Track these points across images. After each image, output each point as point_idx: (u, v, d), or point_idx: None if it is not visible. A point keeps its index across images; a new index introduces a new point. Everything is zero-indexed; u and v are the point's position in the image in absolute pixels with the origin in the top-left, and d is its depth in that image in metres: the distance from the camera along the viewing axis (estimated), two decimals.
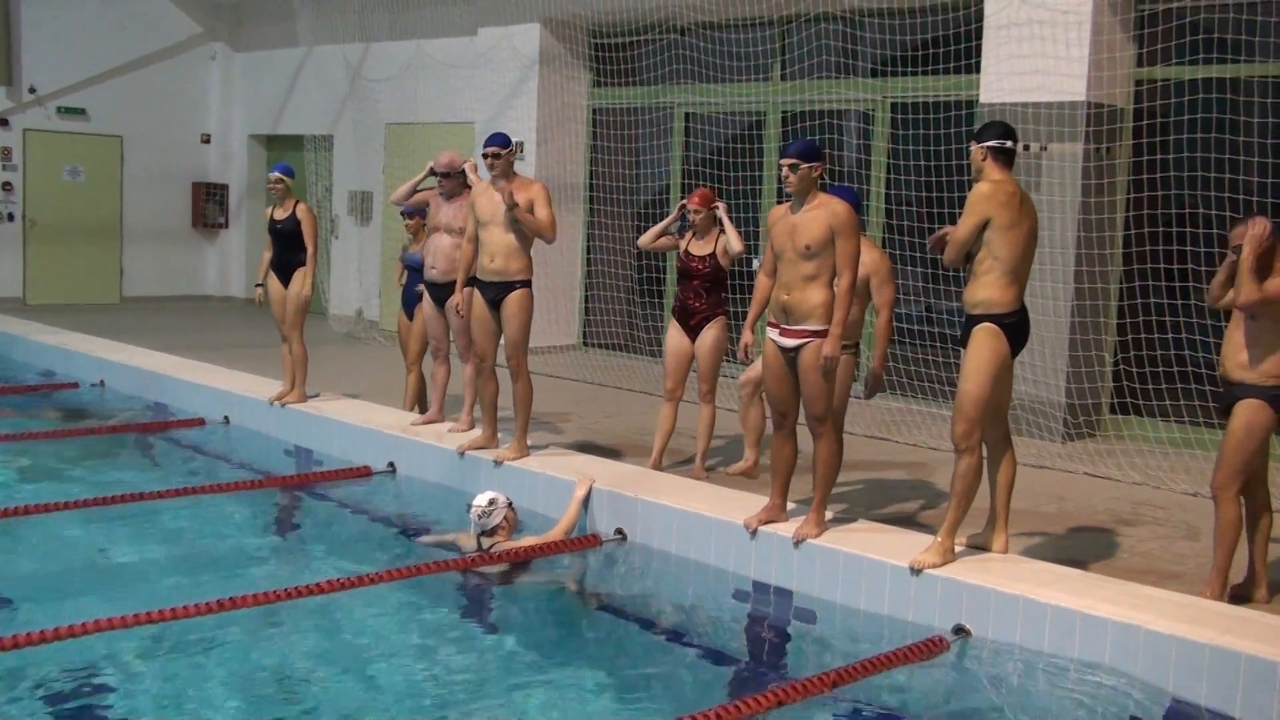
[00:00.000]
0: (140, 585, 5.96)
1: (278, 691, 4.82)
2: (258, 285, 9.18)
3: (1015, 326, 5.63)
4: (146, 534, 6.88)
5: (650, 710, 4.73)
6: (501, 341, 7.42)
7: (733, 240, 7.49)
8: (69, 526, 6.83)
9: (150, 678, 4.89)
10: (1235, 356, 5.56)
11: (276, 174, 8.76)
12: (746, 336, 6.19)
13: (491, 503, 6.36)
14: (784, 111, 11.63)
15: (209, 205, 17.52)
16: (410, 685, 4.92)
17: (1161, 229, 9.06)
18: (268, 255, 8.98)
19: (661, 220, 7.89)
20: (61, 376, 10.98)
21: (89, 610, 5.27)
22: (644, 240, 7.95)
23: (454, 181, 8.15)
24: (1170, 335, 8.79)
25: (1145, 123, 9.05)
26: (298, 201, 8.81)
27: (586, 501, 6.86)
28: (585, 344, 13.39)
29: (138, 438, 9.26)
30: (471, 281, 7.43)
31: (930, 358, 10.13)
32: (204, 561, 6.48)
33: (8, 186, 16.04)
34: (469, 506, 6.41)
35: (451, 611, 5.89)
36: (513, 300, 7.27)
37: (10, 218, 16.09)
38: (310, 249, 8.75)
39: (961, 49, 9.91)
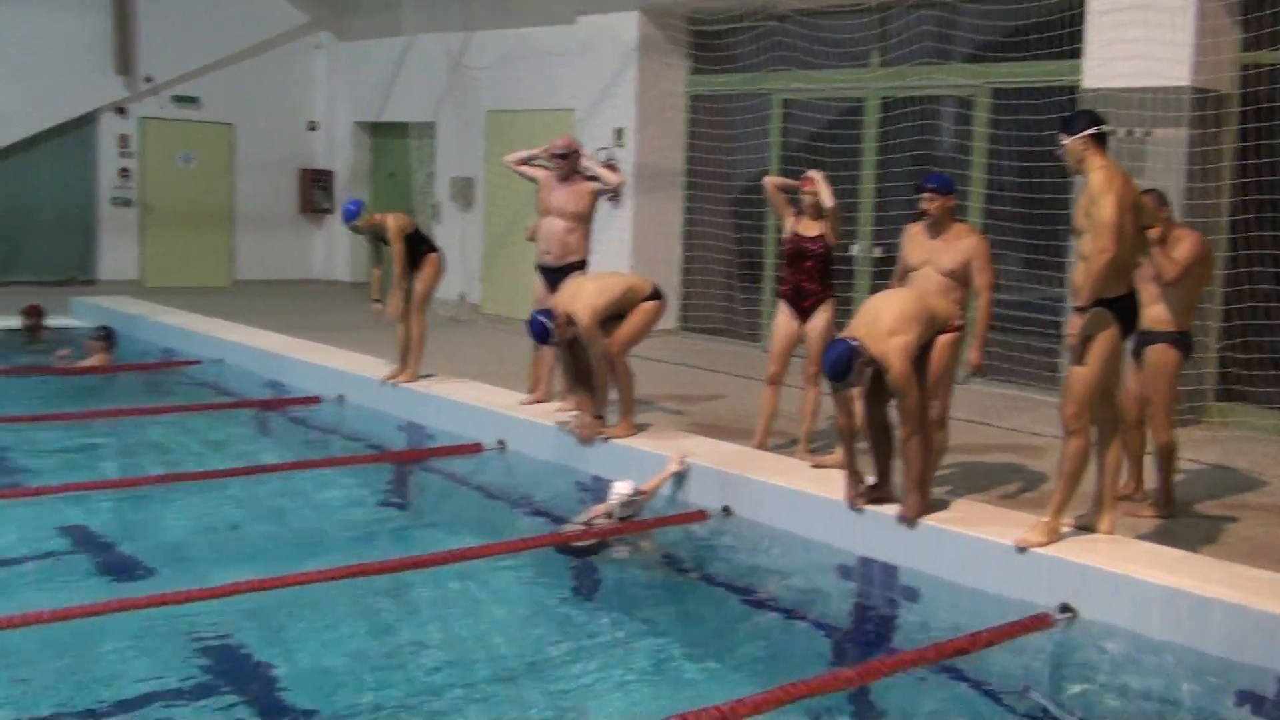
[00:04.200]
0: (260, 553, 6.27)
1: (386, 657, 5.06)
2: (375, 301, 9.49)
3: (1125, 310, 5.70)
4: (265, 504, 7.21)
5: (751, 680, 4.89)
6: None
7: (825, 195, 7.59)
8: (194, 496, 7.18)
9: (271, 641, 5.17)
10: None
11: (348, 225, 9.16)
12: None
13: (637, 493, 6.66)
14: (883, 98, 11.69)
15: (316, 191, 17.98)
16: (514, 652, 5.15)
17: (1269, 214, 8.99)
18: (377, 271, 9.36)
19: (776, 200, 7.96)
20: (182, 355, 11.43)
21: (215, 575, 5.59)
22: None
23: (569, 164, 8.38)
24: (1277, 321, 8.73)
25: (1251, 108, 8.99)
26: (383, 217, 9.10)
27: (682, 479, 7.07)
28: (684, 328, 13.58)
29: (257, 414, 9.65)
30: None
31: (1031, 343, 10.15)
32: (319, 531, 6.82)
33: (125, 173, 16.63)
34: (609, 487, 6.72)
35: (555, 582, 6.11)
36: None
37: (128, 203, 16.68)
38: (397, 247, 9.00)
39: (1063, 34, 9.90)
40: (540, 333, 7.46)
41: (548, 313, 7.45)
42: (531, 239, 8.80)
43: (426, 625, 5.41)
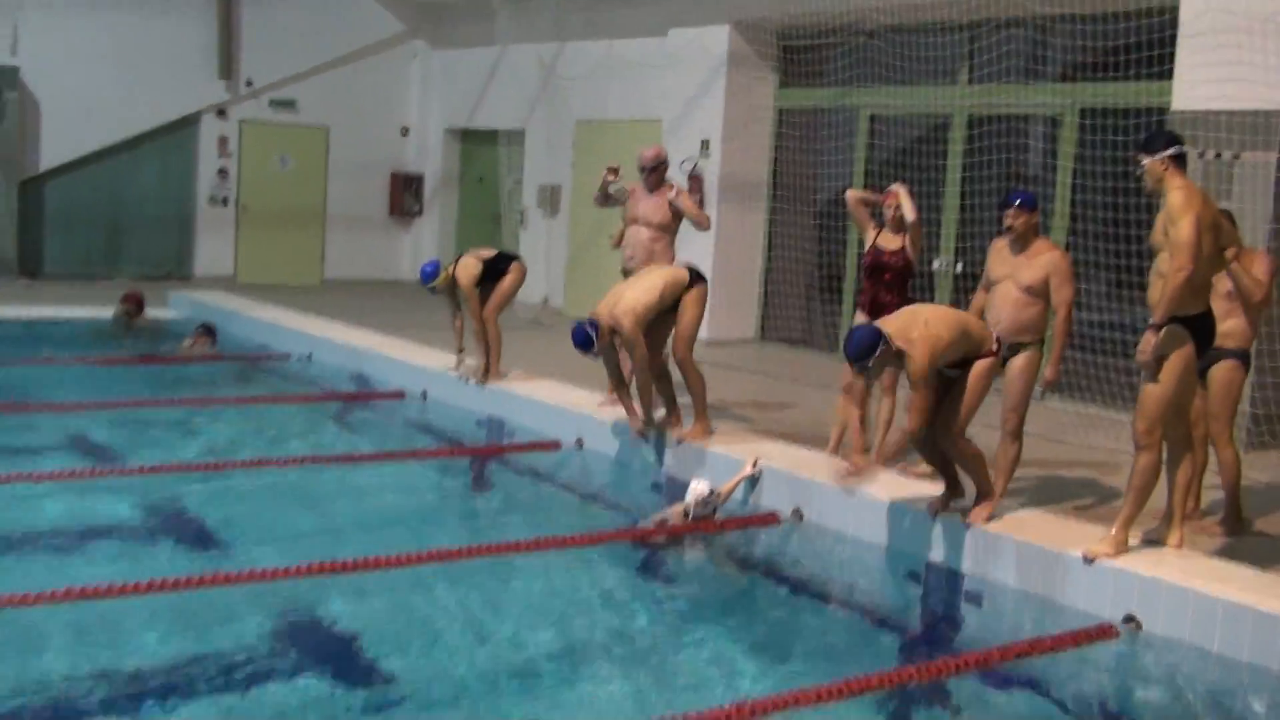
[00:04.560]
0: (342, 536, 6.50)
1: (460, 639, 5.22)
2: (460, 351, 9.81)
3: (1200, 328, 5.73)
4: (350, 492, 7.45)
5: (817, 677, 4.98)
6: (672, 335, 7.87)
7: (907, 209, 7.69)
8: (282, 481, 7.45)
9: (352, 619, 5.37)
10: None
11: (426, 288, 9.52)
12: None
13: (713, 494, 6.81)
14: (970, 115, 11.72)
15: (406, 195, 18.37)
16: (582, 643, 5.29)
17: None
18: (458, 324, 9.62)
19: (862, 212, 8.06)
20: (275, 349, 11.78)
21: (299, 554, 5.82)
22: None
23: (657, 176, 8.59)
24: None
25: None
26: (450, 269, 9.41)
27: (755, 482, 7.19)
28: (763, 338, 13.69)
29: (344, 406, 9.94)
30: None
31: (1113, 362, 10.12)
32: (398, 519, 7.03)
33: (223, 173, 17.14)
34: (687, 487, 6.88)
35: (628, 576, 6.25)
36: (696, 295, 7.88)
37: (225, 202, 17.19)
38: (472, 295, 9.32)
39: (1154, 55, 9.88)
40: (583, 341, 7.61)
41: (593, 322, 7.62)
42: (617, 246, 8.99)
43: (501, 611, 5.58)
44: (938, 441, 6.26)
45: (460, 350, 9.84)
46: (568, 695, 4.75)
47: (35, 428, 8.43)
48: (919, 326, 5.98)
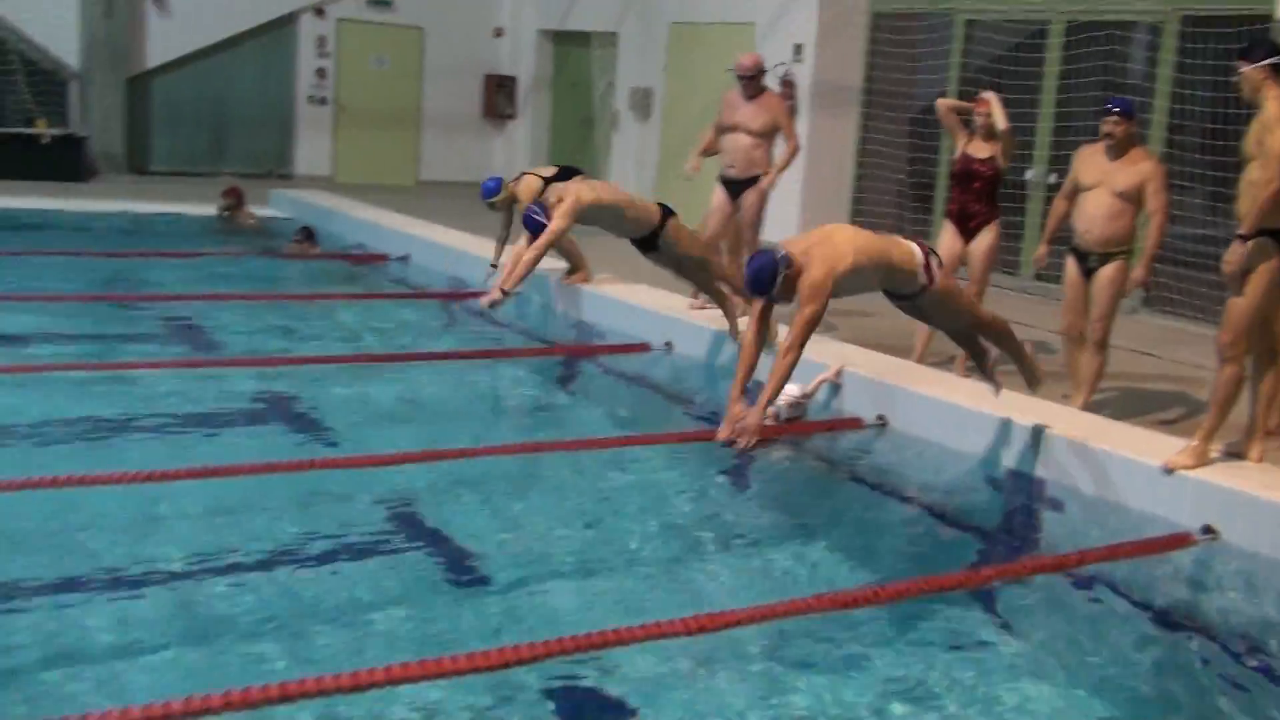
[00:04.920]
0: (435, 429, 6.79)
1: (544, 531, 5.43)
2: (493, 266, 9.67)
3: None
4: (443, 388, 7.74)
5: (898, 575, 5.16)
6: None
7: (998, 118, 7.70)
8: (378, 376, 7.76)
9: (452, 508, 5.64)
10: None
11: (486, 203, 9.39)
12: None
13: (803, 396, 6.97)
14: (1068, 22, 11.53)
15: (499, 97, 18.51)
16: (662, 537, 5.49)
17: None
18: (503, 238, 9.65)
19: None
20: (372, 249, 12.10)
21: (398, 444, 6.10)
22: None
23: (755, 84, 8.69)
24: None
25: None
26: (511, 185, 9.34)
27: (837, 387, 7.32)
28: None
29: (439, 305, 10.23)
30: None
31: (1206, 276, 10.05)
32: (488, 414, 7.33)
33: (321, 73, 17.40)
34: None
35: (711, 476, 6.42)
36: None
37: (323, 102, 17.48)
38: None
39: None
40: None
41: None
42: (703, 154, 9.08)
43: (584, 505, 5.82)
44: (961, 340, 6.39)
45: (494, 265, 9.82)
46: (657, 588, 4.97)
47: (143, 318, 8.83)
48: (824, 244, 5.63)
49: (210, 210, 12.85)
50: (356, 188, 16.26)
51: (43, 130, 15.18)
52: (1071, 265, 7.25)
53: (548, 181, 9.43)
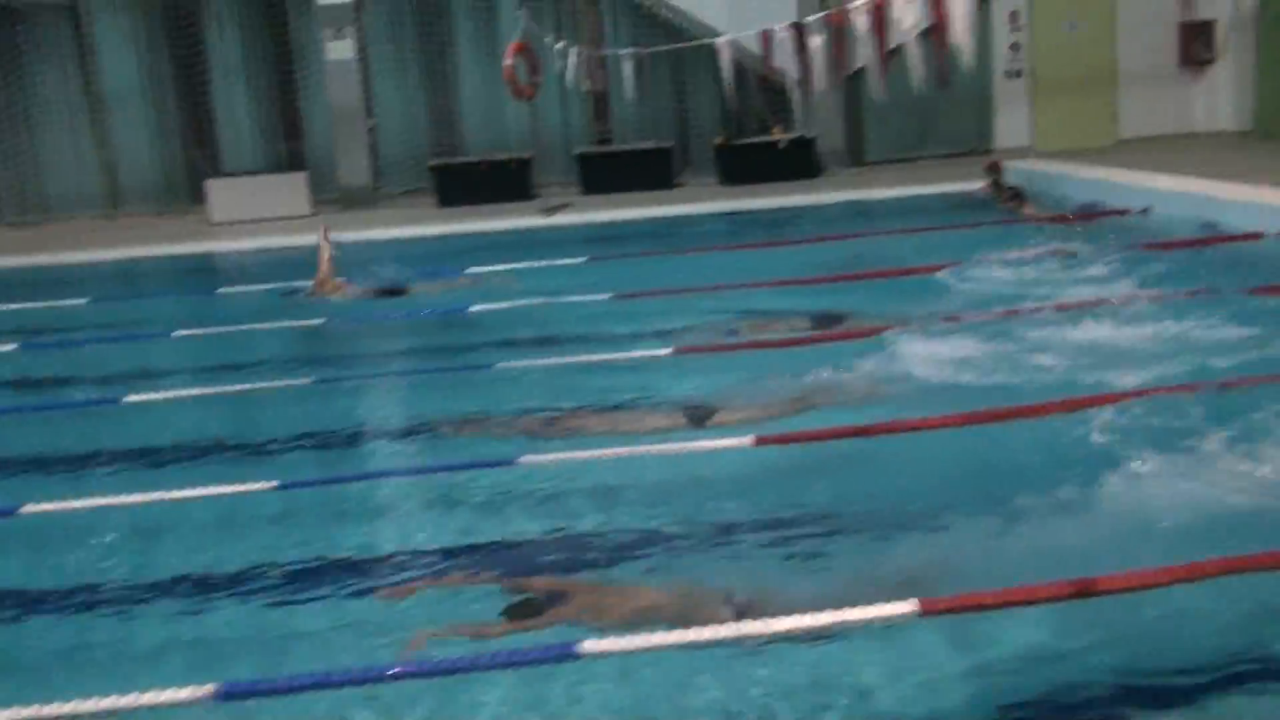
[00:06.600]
0: None
1: None
2: None
3: None
4: None
5: None
6: None
7: None
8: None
9: None
10: None
11: None
12: None
13: None
14: None
15: (1195, 43, 18.05)
16: None
17: None
18: None
19: None
20: (1109, 205, 12.45)
21: None
22: None
23: None
24: None
25: None
26: None
27: None
28: None
29: (1194, 252, 10.24)
30: None
31: None
32: None
33: (1015, 47, 17.99)
34: None
35: None
36: None
37: (1018, 75, 18.07)
38: None
39: None
40: None
41: None
42: None
43: None
44: None
45: None
46: None
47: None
48: None
49: (925, 190, 13.97)
50: (1056, 154, 16.63)
51: (780, 136, 17.12)
52: None
53: None
